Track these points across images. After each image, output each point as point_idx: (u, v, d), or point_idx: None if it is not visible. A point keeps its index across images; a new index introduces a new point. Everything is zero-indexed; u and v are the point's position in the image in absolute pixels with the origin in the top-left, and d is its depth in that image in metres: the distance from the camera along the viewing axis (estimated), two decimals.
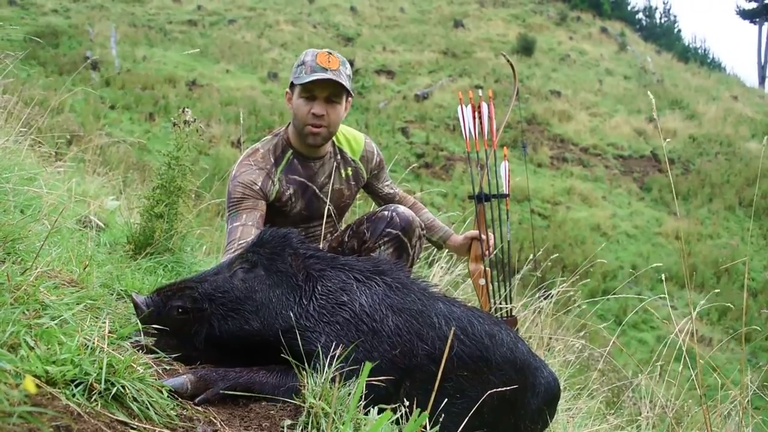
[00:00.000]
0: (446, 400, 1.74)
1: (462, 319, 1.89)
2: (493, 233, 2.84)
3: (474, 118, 2.91)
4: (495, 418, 1.88)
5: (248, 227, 2.37)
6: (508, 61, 3.11)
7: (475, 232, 2.82)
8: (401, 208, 2.57)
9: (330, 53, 2.47)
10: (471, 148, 2.89)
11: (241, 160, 2.55)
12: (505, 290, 2.84)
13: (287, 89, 2.60)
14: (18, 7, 21.56)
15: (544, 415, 2.04)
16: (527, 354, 2.04)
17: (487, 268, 2.78)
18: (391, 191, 2.91)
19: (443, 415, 1.70)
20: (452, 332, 1.67)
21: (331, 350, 1.61)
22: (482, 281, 2.74)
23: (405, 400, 1.68)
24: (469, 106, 2.90)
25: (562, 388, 2.93)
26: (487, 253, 2.78)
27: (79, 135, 9.25)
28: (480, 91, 2.98)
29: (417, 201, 2.98)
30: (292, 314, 1.71)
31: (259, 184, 2.48)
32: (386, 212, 2.54)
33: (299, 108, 2.50)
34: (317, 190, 2.63)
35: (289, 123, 2.63)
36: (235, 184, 2.47)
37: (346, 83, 2.48)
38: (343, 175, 2.71)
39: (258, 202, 2.46)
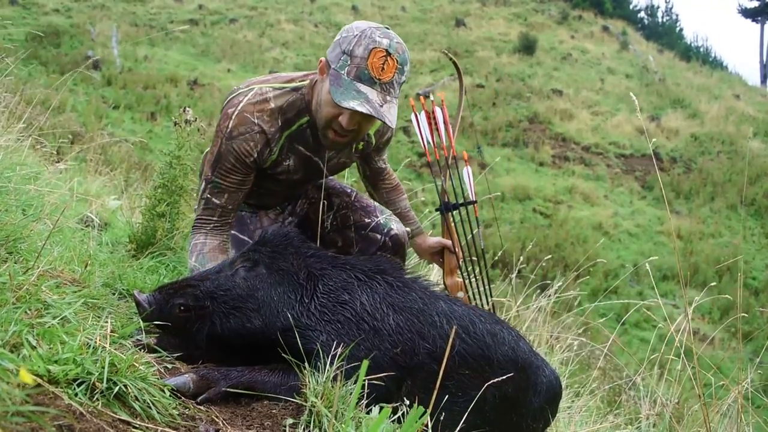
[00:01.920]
0: (448, 398, 1.74)
1: (463, 317, 1.89)
2: (460, 245, 2.69)
3: (430, 124, 2.73)
4: (497, 417, 1.88)
5: (227, 211, 2.21)
6: (451, 58, 2.86)
7: (447, 241, 2.66)
8: (393, 229, 2.45)
9: (388, 55, 1.96)
10: (432, 156, 2.71)
11: (244, 106, 2.14)
12: (488, 301, 2.75)
13: (323, 58, 2.09)
14: (19, 6, 21.58)
15: (545, 413, 2.04)
16: (529, 353, 2.04)
17: (461, 280, 2.67)
18: (383, 166, 2.64)
19: (445, 413, 1.70)
20: (453, 330, 1.68)
21: (332, 349, 1.62)
22: (461, 294, 2.65)
23: (406, 398, 1.68)
24: (423, 112, 2.71)
25: (563, 386, 2.94)
26: (460, 264, 2.66)
27: (81, 134, 9.27)
28: (432, 97, 2.78)
29: (400, 184, 2.75)
30: (293, 313, 1.72)
31: (255, 156, 2.15)
32: (378, 235, 2.43)
33: (326, 105, 2.05)
34: (321, 164, 2.33)
35: (317, 81, 2.15)
36: (229, 148, 2.13)
37: (394, 102, 2.03)
38: (353, 149, 2.40)
39: (246, 179, 2.20)
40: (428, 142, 2.72)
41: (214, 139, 2.20)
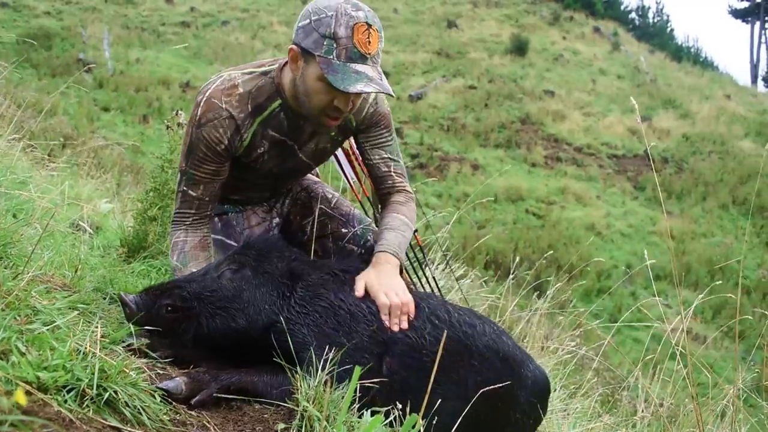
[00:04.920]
0: (425, 376, 1.72)
1: (437, 307, 1.95)
2: (409, 276, 2.60)
3: (350, 161, 2.61)
4: (482, 403, 1.86)
5: (204, 203, 2.14)
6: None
7: None
8: (370, 240, 2.33)
9: (369, 26, 1.87)
10: (360, 192, 2.61)
11: (212, 93, 2.06)
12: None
13: (293, 45, 1.95)
14: (10, 9, 21.48)
15: (535, 409, 2.04)
16: (512, 347, 2.05)
17: None
18: (386, 171, 2.34)
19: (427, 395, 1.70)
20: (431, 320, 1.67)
21: (313, 339, 1.71)
22: None
23: (389, 378, 1.72)
24: (340, 149, 2.54)
25: (556, 387, 2.94)
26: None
27: (73, 138, 9.23)
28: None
29: (409, 201, 2.34)
30: (275, 308, 1.79)
31: (226, 143, 2.07)
32: (355, 247, 2.33)
33: (316, 93, 1.95)
34: (297, 150, 2.21)
35: (286, 63, 2.06)
36: (199, 136, 2.05)
37: (381, 70, 1.96)
38: (331, 132, 2.24)
39: (220, 168, 2.12)
40: (353, 180, 2.65)
41: (186, 129, 2.14)
